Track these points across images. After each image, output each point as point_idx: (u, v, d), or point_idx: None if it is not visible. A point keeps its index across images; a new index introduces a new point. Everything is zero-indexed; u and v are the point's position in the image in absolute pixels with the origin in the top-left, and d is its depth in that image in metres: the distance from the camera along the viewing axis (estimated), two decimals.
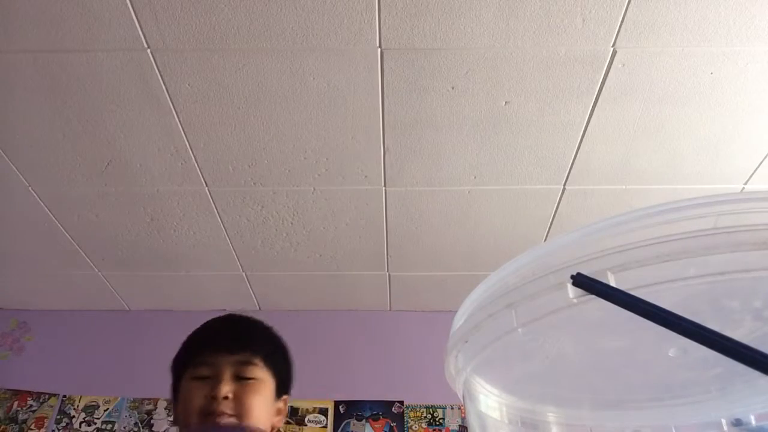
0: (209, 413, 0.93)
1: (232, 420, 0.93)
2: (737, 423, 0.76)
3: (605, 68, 1.73)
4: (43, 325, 2.98)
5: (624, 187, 2.14)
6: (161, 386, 3.22)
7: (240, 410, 0.94)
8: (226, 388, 0.95)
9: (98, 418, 2.69)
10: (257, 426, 0.95)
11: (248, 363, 1.00)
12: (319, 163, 2.07)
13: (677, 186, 2.12)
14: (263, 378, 1.01)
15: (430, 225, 2.35)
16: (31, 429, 2.66)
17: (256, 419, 0.95)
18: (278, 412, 1.05)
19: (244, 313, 1.12)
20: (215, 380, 0.96)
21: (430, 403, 2.68)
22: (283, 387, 1.06)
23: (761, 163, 2.03)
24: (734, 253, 0.51)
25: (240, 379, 0.98)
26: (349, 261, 2.58)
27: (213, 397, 0.94)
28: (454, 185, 2.15)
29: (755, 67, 1.71)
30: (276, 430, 1.04)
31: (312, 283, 2.74)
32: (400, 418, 2.65)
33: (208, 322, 1.10)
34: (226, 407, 0.93)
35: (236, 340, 1.03)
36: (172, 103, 1.86)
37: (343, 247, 2.49)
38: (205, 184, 2.18)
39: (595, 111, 1.85)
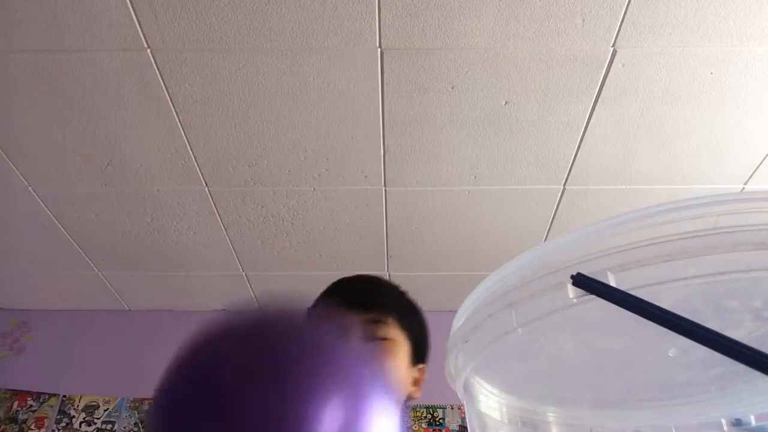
0: None
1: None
2: (737, 423, 0.76)
3: (605, 68, 1.73)
4: (43, 325, 2.98)
5: (624, 187, 2.14)
6: None
7: None
8: None
9: (98, 418, 2.69)
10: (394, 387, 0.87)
11: (380, 321, 0.92)
12: (319, 163, 2.07)
13: (677, 186, 2.12)
14: (397, 339, 0.93)
15: (430, 225, 2.35)
16: (31, 429, 2.66)
17: (390, 384, 0.91)
18: (415, 381, 0.96)
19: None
20: None
21: (430, 403, 2.68)
22: (419, 354, 0.97)
23: (761, 163, 2.03)
24: (734, 253, 0.51)
25: (372, 339, 0.90)
26: (349, 261, 2.58)
27: None
28: (454, 185, 2.15)
29: (755, 67, 1.71)
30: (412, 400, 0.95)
31: (312, 283, 2.74)
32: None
33: (337, 280, 1.03)
34: None
35: (368, 296, 0.96)
36: (172, 103, 1.86)
37: (343, 247, 2.49)
38: (205, 184, 2.18)
39: (595, 111, 1.85)
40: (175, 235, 2.43)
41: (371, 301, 0.95)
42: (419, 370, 0.98)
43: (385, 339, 0.91)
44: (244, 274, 2.69)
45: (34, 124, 1.94)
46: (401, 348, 0.92)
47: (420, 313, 1.02)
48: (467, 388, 0.79)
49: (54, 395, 2.75)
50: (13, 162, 2.10)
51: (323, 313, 0.89)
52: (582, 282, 0.54)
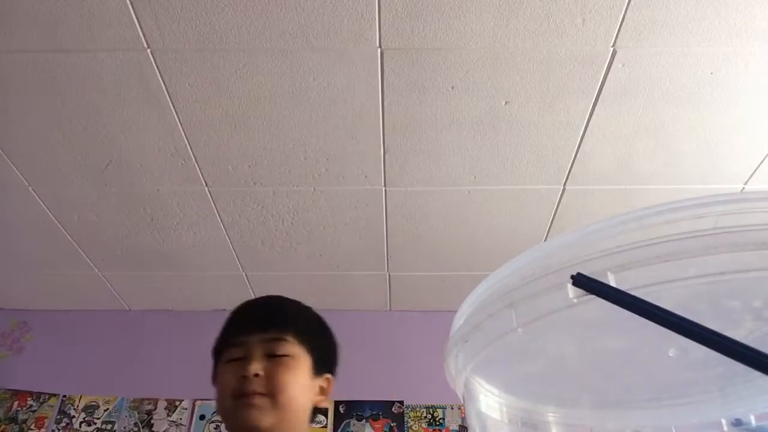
0: (241, 393, 0.91)
1: (262, 400, 0.90)
2: (737, 423, 0.76)
3: (605, 68, 1.73)
4: (43, 325, 2.98)
5: (624, 187, 2.14)
6: (161, 386, 3.22)
7: (272, 388, 0.92)
8: (256, 366, 0.93)
9: (98, 418, 2.69)
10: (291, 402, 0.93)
11: (278, 339, 0.98)
12: (319, 163, 2.07)
13: (677, 186, 2.11)
14: (297, 354, 0.98)
15: (430, 225, 2.35)
16: (31, 429, 2.66)
17: (291, 397, 0.93)
18: (321, 391, 1.02)
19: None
20: (246, 360, 0.94)
21: (430, 403, 2.68)
22: (322, 364, 1.03)
23: (761, 163, 2.03)
24: (734, 253, 0.51)
25: (272, 356, 0.96)
26: (349, 261, 2.58)
27: (243, 377, 0.92)
28: (454, 185, 2.15)
29: (755, 67, 1.71)
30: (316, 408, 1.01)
31: (312, 283, 2.74)
32: (400, 418, 2.65)
33: (238, 306, 1.08)
34: (258, 386, 0.91)
35: (265, 318, 1.02)
36: (172, 103, 1.86)
37: (343, 247, 2.49)
38: (205, 184, 2.18)
39: (595, 111, 1.85)
40: (175, 235, 2.43)
41: (268, 321, 1.00)
42: (326, 379, 1.04)
43: (284, 356, 0.96)
44: (244, 274, 2.69)
45: (34, 124, 1.94)
46: (300, 362, 0.98)
47: (323, 326, 1.09)
48: (467, 388, 0.79)
49: (54, 395, 2.75)
50: (13, 162, 2.11)
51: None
52: (582, 282, 0.54)
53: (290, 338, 0.98)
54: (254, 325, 0.99)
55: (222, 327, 1.06)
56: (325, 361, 1.04)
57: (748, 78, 1.74)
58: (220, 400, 0.96)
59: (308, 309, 1.10)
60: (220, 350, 1.02)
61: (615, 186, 2.14)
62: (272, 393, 0.91)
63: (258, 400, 0.90)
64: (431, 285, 2.74)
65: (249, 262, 2.60)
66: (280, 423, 0.91)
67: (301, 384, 0.96)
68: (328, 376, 1.05)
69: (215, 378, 1.01)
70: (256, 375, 0.92)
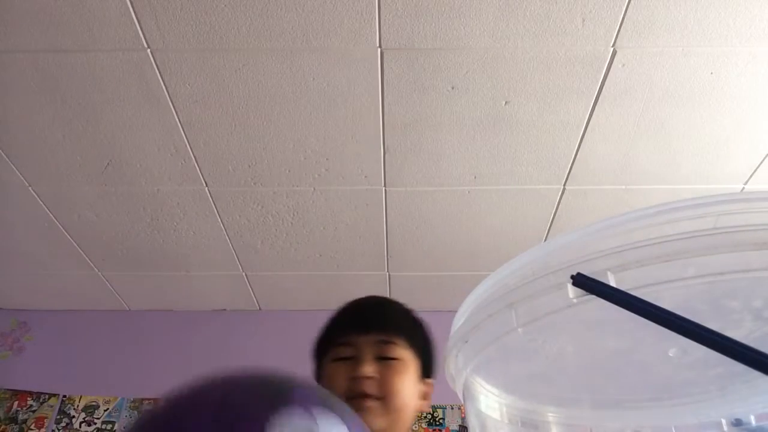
0: (354, 394, 0.89)
1: (375, 403, 0.89)
2: (737, 423, 0.76)
3: (605, 68, 1.73)
4: (43, 325, 2.98)
5: (624, 187, 2.14)
6: (161, 386, 3.21)
7: (385, 391, 0.91)
8: (369, 368, 0.92)
9: (98, 418, 2.69)
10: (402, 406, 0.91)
11: (390, 342, 0.96)
12: (319, 163, 2.07)
13: (677, 186, 2.12)
14: (406, 358, 0.97)
15: (430, 225, 2.35)
16: (31, 429, 2.66)
17: (401, 401, 0.92)
18: (423, 395, 1.00)
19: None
20: (357, 360, 0.93)
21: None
22: (426, 369, 1.02)
23: (761, 163, 2.03)
24: (734, 253, 0.51)
25: (382, 359, 0.95)
26: (349, 261, 2.58)
27: (356, 377, 0.91)
28: (454, 185, 2.15)
29: (755, 67, 1.71)
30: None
31: (312, 283, 2.74)
32: None
33: (347, 303, 1.07)
34: (371, 388, 0.90)
35: (377, 319, 1.00)
36: (172, 103, 1.86)
37: (343, 247, 2.49)
38: (205, 184, 2.18)
39: (595, 111, 1.85)
40: (175, 235, 2.43)
41: (380, 323, 0.99)
42: (427, 384, 1.02)
43: (394, 359, 0.95)
44: (244, 274, 2.69)
45: (34, 124, 1.94)
46: (410, 366, 0.97)
47: (426, 330, 1.07)
48: (467, 388, 0.79)
49: (54, 395, 2.75)
50: (13, 162, 2.11)
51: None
52: (582, 282, 0.54)
53: (400, 341, 0.98)
54: (365, 325, 0.98)
55: (327, 324, 1.05)
56: (429, 365, 1.04)
57: (748, 78, 1.74)
58: None
59: (413, 311, 1.09)
60: (324, 348, 1.01)
61: (615, 186, 2.14)
62: (385, 397, 0.91)
63: (371, 403, 0.89)
64: (431, 285, 2.74)
65: (249, 262, 2.60)
66: (390, 427, 0.90)
67: (410, 388, 0.95)
68: (430, 380, 1.04)
69: (319, 377, 1.00)
70: (369, 377, 0.91)
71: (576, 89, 1.78)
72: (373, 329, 0.97)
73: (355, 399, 0.89)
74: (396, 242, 2.45)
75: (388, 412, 0.90)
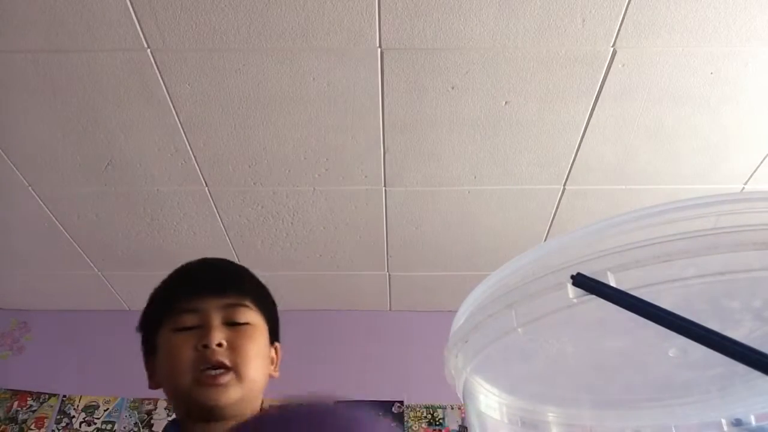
0: (204, 366, 0.80)
1: (229, 376, 0.80)
2: (737, 423, 0.76)
3: (605, 68, 1.73)
4: (43, 325, 2.97)
5: (624, 187, 2.14)
6: None
7: (236, 359, 0.81)
8: (219, 335, 0.82)
9: (98, 418, 2.69)
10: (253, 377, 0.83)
11: (239, 305, 0.87)
12: (319, 163, 2.07)
13: (677, 186, 2.11)
14: (256, 322, 0.88)
15: (430, 225, 2.35)
16: (31, 429, 2.66)
17: (255, 369, 0.83)
18: (272, 361, 0.92)
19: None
20: (204, 328, 0.83)
21: (430, 403, 2.68)
22: (274, 333, 0.94)
23: (761, 163, 2.03)
24: (734, 253, 0.51)
25: (231, 324, 0.85)
26: (349, 261, 2.58)
27: (205, 346, 0.81)
28: (454, 185, 2.15)
29: (755, 67, 1.71)
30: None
31: (312, 283, 2.74)
32: (400, 418, 2.65)
33: (181, 266, 0.97)
34: (222, 356, 0.81)
35: (223, 281, 0.90)
36: (172, 103, 1.86)
37: (343, 247, 2.49)
38: (205, 184, 2.18)
39: (595, 111, 1.85)
40: (175, 235, 2.43)
41: (227, 284, 0.89)
42: (274, 348, 0.95)
43: (245, 324, 0.86)
44: None
45: (34, 124, 1.94)
46: (261, 330, 0.89)
47: (270, 293, 0.98)
48: (467, 388, 0.79)
49: (54, 395, 2.75)
50: (13, 162, 2.10)
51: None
52: (582, 282, 0.54)
53: (250, 304, 0.89)
54: (211, 288, 0.88)
55: (160, 290, 0.96)
56: (275, 329, 0.95)
57: (748, 78, 1.74)
58: (169, 376, 0.83)
59: (254, 273, 0.98)
60: (158, 317, 0.89)
61: (615, 186, 2.14)
62: (237, 365, 0.81)
63: (223, 375, 0.80)
64: (431, 285, 2.74)
65: (249, 262, 2.60)
66: (244, 398, 0.81)
67: (263, 355, 0.87)
68: (277, 344, 0.96)
69: (152, 351, 0.90)
70: (219, 345, 0.81)
71: (576, 89, 1.78)
72: (219, 292, 0.87)
73: (205, 371, 0.80)
74: (396, 242, 2.45)
75: (242, 382, 0.81)
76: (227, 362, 0.81)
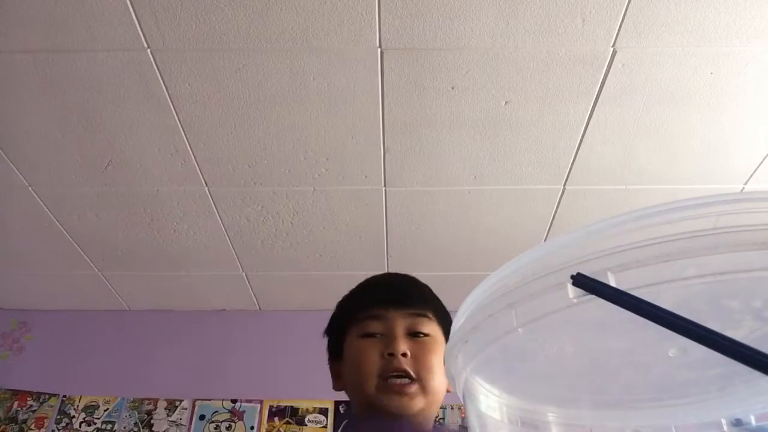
0: (390, 374, 0.82)
1: (415, 386, 0.82)
2: (737, 423, 0.76)
3: (605, 68, 1.73)
4: (43, 325, 2.98)
5: (624, 187, 2.14)
6: (161, 386, 3.20)
7: (420, 369, 0.84)
8: (404, 345, 0.84)
9: (98, 418, 2.69)
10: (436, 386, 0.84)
11: (422, 316, 0.90)
12: (319, 163, 2.07)
13: (677, 186, 2.12)
14: (436, 334, 0.90)
15: (430, 225, 2.35)
16: (31, 429, 2.66)
17: (438, 381, 0.84)
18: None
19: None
20: (389, 337, 0.86)
21: None
22: None
23: (761, 163, 2.03)
24: (734, 253, 0.51)
25: (414, 335, 0.88)
26: (349, 261, 2.58)
27: (390, 354, 0.83)
28: (454, 185, 2.15)
29: (755, 67, 1.71)
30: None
31: (312, 283, 2.74)
32: None
33: (368, 278, 1.00)
34: (408, 366, 0.83)
35: (408, 292, 0.94)
36: (172, 103, 1.86)
37: (343, 247, 2.49)
38: (205, 184, 2.18)
39: (595, 111, 1.85)
40: (175, 235, 2.43)
41: (412, 295, 0.93)
42: None
43: (426, 335, 0.89)
44: (244, 274, 2.69)
45: (34, 124, 1.94)
46: (440, 343, 0.90)
47: (446, 309, 1.01)
48: (467, 388, 0.79)
49: (54, 395, 2.75)
50: (13, 162, 2.11)
51: None
52: (582, 282, 0.54)
53: (431, 316, 0.91)
54: (397, 298, 0.91)
55: (349, 297, 0.98)
56: None
57: (748, 78, 1.74)
58: (355, 379, 0.86)
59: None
60: (346, 323, 0.93)
61: (615, 186, 2.14)
62: (421, 377, 0.84)
63: (409, 385, 0.82)
64: (431, 285, 2.73)
65: (249, 262, 2.60)
66: (427, 408, 0.84)
67: (441, 367, 0.87)
68: None
69: (338, 355, 0.93)
70: (404, 355, 0.84)
71: (576, 89, 1.79)
72: (404, 302, 0.91)
73: (390, 378, 0.83)
74: (396, 242, 2.45)
75: (425, 393, 0.83)
76: (412, 372, 0.84)
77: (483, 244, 2.44)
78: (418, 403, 0.82)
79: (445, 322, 0.94)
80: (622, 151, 1.99)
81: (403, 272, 1.01)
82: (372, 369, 0.84)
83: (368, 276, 1.04)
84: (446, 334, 0.93)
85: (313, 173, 2.11)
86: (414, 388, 0.82)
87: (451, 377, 0.81)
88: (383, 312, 0.89)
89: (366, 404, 0.85)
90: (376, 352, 0.85)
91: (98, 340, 2.91)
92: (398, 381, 0.82)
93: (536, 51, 1.68)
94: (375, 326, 0.88)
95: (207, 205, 2.28)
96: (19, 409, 2.72)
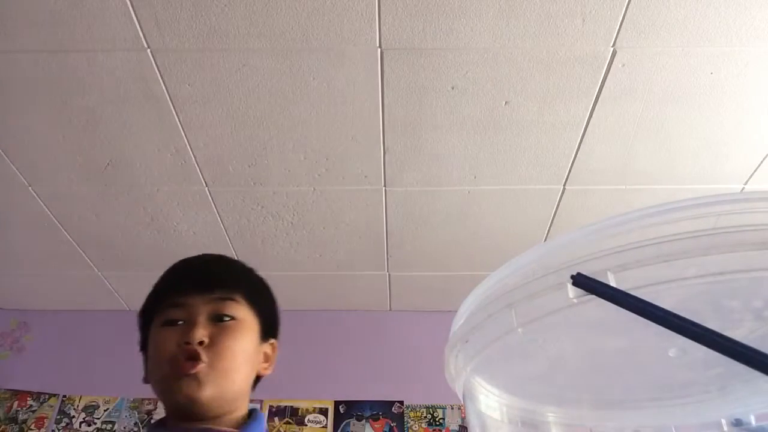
0: (181, 362, 0.78)
1: (202, 366, 0.78)
2: (737, 423, 0.76)
3: (605, 68, 1.73)
4: (43, 325, 2.98)
5: (624, 187, 2.14)
6: None
7: (215, 356, 0.80)
8: (201, 332, 0.80)
9: (98, 418, 2.69)
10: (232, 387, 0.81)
11: (227, 299, 0.86)
12: (319, 163, 2.07)
13: (677, 186, 2.12)
14: (245, 318, 0.87)
15: (430, 225, 2.35)
16: (31, 429, 2.66)
17: (236, 366, 0.81)
18: (265, 357, 0.91)
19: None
20: (188, 324, 0.82)
21: (430, 403, 2.68)
22: (269, 329, 0.92)
23: (761, 163, 2.03)
24: (734, 253, 0.51)
25: (218, 319, 0.84)
26: (349, 261, 2.58)
27: (186, 343, 0.79)
28: (454, 185, 2.15)
29: (755, 67, 1.71)
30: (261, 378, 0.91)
31: (312, 283, 2.74)
32: (400, 418, 2.65)
33: (177, 262, 0.96)
34: (202, 354, 0.79)
35: (211, 276, 0.89)
36: (172, 103, 1.86)
37: (343, 247, 2.49)
38: (205, 184, 2.18)
39: (595, 111, 1.85)
40: (175, 235, 2.43)
41: (216, 279, 0.88)
42: (270, 345, 0.93)
43: (230, 318, 0.85)
44: None
45: (34, 124, 1.94)
46: (248, 326, 0.87)
47: (267, 286, 0.97)
48: (467, 388, 0.79)
49: (54, 395, 2.75)
50: (13, 162, 2.11)
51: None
52: (582, 282, 0.54)
53: (239, 299, 0.88)
54: (199, 283, 0.87)
55: (155, 285, 0.95)
56: (271, 325, 0.93)
57: (748, 78, 1.74)
58: (153, 370, 0.83)
59: (252, 269, 0.97)
60: (151, 311, 0.89)
61: (615, 186, 2.14)
62: (215, 361, 0.79)
63: (199, 371, 0.78)
64: (431, 285, 2.74)
65: (249, 262, 2.59)
66: (222, 394, 0.79)
67: (248, 351, 0.85)
68: (273, 341, 0.94)
69: (145, 344, 0.90)
70: (201, 342, 0.80)
71: (576, 89, 1.79)
72: (208, 287, 0.87)
73: (181, 367, 0.78)
74: (396, 242, 2.45)
75: (218, 379, 0.79)
76: (206, 359, 0.79)
77: (483, 244, 2.44)
78: (209, 388, 0.78)
79: (259, 303, 0.91)
80: (622, 151, 1.99)
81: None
82: (167, 357, 0.80)
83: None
84: (262, 316, 0.90)
85: (313, 173, 2.11)
86: (202, 368, 0.78)
87: (451, 377, 0.82)
88: (185, 299, 0.85)
89: (162, 394, 0.82)
90: (173, 340, 0.81)
91: (98, 340, 2.91)
92: (187, 363, 0.78)
93: (536, 51, 1.68)
94: (177, 314, 0.84)
95: (207, 205, 2.28)
96: (19, 409, 2.72)
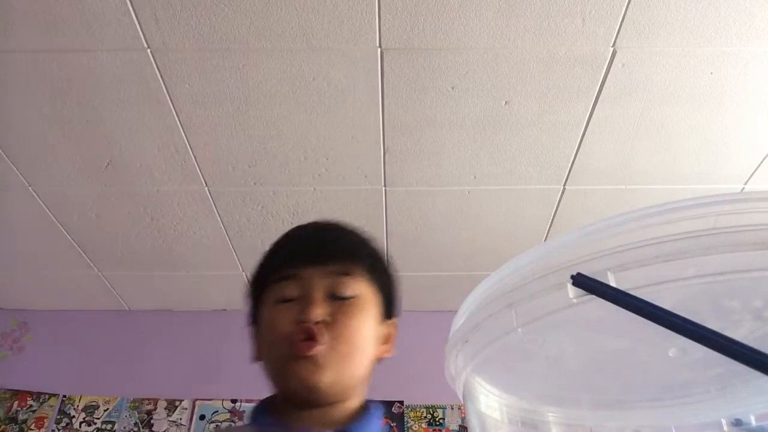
0: (298, 344, 0.70)
1: (321, 350, 0.70)
2: (737, 423, 0.76)
3: (605, 68, 1.73)
4: (43, 325, 2.97)
5: (624, 187, 2.14)
6: (161, 386, 3.20)
7: (337, 338, 0.71)
8: (320, 311, 0.72)
9: (98, 418, 2.69)
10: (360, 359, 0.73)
11: (347, 274, 0.77)
12: (319, 163, 2.07)
13: (677, 186, 2.12)
14: (366, 295, 0.78)
15: (430, 225, 2.35)
16: (31, 429, 2.66)
17: (358, 350, 0.74)
18: (386, 339, 0.82)
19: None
20: (305, 300, 0.74)
21: (430, 403, 2.68)
22: (390, 307, 0.83)
23: (761, 163, 2.03)
24: (734, 253, 0.51)
25: (337, 297, 0.75)
26: None
27: (303, 322, 0.71)
28: (454, 185, 2.15)
29: (755, 67, 1.71)
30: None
31: None
32: (400, 418, 2.65)
33: (291, 229, 0.87)
34: (321, 335, 0.70)
35: (330, 247, 0.80)
36: (172, 103, 1.86)
37: None
38: (205, 184, 2.18)
39: (595, 111, 1.85)
40: (175, 235, 2.43)
41: (334, 251, 0.79)
42: (390, 325, 0.84)
43: (353, 297, 0.76)
44: (244, 274, 2.69)
45: (34, 124, 1.94)
46: (369, 304, 0.78)
47: (387, 262, 0.86)
48: (467, 388, 0.79)
49: (54, 395, 2.75)
50: (13, 162, 2.10)
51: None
52: (582, 282, 0.54)
53: (359, 274, 0.78)
54: (316, 255, 0.78)
55: (265, 256, 0.86)
56: (393, 303, 0.84)
57: (748, 78, 1.74)
58: (266, 350, 0.76)
59: (371, 238, 0.85)
60: (262, 286, 0.80)
61: (615, 186, 2.14)
62: (335, 344, 0.71)
63: (320, 355, 0.70)
64: (431, 285, 2.74)
65: (249, 262, 2.60)
66: (341, 380, 0.72)
67: (368, 332, 0.76)
68: (395, 320, 0.85)
69: (256, 323, 0.81)
70: (319, 322, 0.72)
71: (576, 89, 1.79)
72: (325, 259, 0.77)
73: (300, 349, 0.70)
74: (396, 242, 2.45)
75: (339, 363, 0.71)
76: (326, 341, 0.71)
77: (483, 244, 2.44)
78: (329, 374, 0.70)
79: (380, 279, 0.82)
80: (621, 151, 1.99)
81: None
82: (282, 337, 0.72)
83: None
84: (383, 291, 0.82)
85: (313, 173, 2.11)
86: (321, 350, 0.70)
87: (451, 377, 0.81)
88: (300, 271, 0.77)
89: (275, 379, 0.75)
90: (289, 318, 0.73)
91: (98, 340, 2.91)
92: (304, 344, 0.70)
93: (536, 51, 1.68)
94: (291, 289, 0.76)
95: (207, 205, 2.28)
96: (19, 409, 2.72)
